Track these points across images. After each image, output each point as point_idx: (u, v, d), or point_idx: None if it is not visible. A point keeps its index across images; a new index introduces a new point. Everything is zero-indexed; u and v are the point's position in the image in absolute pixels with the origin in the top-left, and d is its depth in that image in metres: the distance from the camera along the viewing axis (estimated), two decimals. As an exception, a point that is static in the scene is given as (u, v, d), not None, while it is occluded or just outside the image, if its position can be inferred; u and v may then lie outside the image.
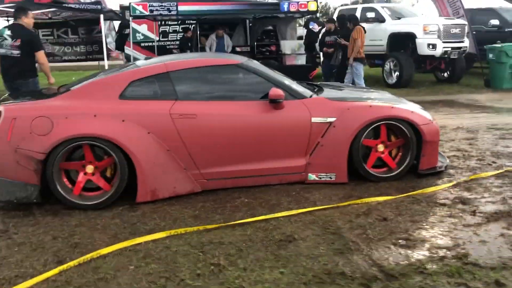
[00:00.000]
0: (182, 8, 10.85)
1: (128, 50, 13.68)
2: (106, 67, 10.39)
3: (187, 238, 3.33)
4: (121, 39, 13.11)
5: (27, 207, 3.98)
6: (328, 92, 4.75)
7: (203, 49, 12.27)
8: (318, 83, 5.44)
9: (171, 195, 4.13)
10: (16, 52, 5.86)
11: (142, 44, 15.73)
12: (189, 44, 12.05)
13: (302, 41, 11.90)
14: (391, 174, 4.51)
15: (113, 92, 4.12)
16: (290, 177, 4.42)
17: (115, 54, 14.93)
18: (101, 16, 10.48)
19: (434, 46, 11.85)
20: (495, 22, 13.97)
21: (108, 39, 12.82)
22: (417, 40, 12.03)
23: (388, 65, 12.58)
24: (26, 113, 3.92)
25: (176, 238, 3.33)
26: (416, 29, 12.06)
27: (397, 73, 12.31)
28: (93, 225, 3.62)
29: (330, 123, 4.35)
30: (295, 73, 10.98)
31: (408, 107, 4.63)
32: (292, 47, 11.71)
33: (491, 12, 14.48)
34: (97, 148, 3.97)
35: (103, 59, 13.41)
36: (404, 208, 3.81)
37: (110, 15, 11.80)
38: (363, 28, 9.15)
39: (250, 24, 13.92)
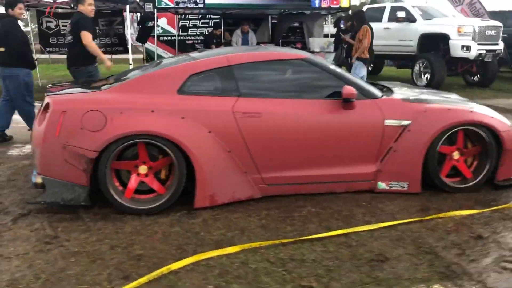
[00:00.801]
0: (210, 1, 10.44)
1: (150, 45, 13.33)
2: (131, 61, 9.97)
3: (263, 253, 2.94)
4: (143, 32, 12.70)
5: (73, 210, 3.60)
6: (399, 93, 4.35)
7: (227, 45, 11.87)
8: (382, 82, 5.03)
9: (229, 200, 3.75)
10: (69, 38, 5.84)
11: (161, 38, 15.30)
12: (215, 41, 11.63)
13: (331, 39, 11.46)
14: (468, 185, 4.11)
15: (171, 86, 3.73)
16: (357, 185, 4.03)
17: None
18: (127, 7, 10.08)
19: (468, 48, 11.41)
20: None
21: (128, 31, 12.39)
22: (451, 42, 11.58)
23: (418, 66, 12.14)
24: (77, 106, 3.53)
25: (250, 252, 2.95)
26: (450, 30, 11.61)
27: (427, 75, 11.87)
28: (151, 234, 3.24)
29: (405, 126, 3.95)
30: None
31: (486, 111, 4.23)
32: (321, 44, 11.26)
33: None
34: (151, 147, 3.59)
35: (123, 52, 13.10)
36: (496, 224, 3.41)
37: (134, 7, 11.40)
38: (370, 27, 8.55)
39: (274, 21, 13.51)
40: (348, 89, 3.77)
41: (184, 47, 13.78)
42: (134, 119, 3.52)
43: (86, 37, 5.57)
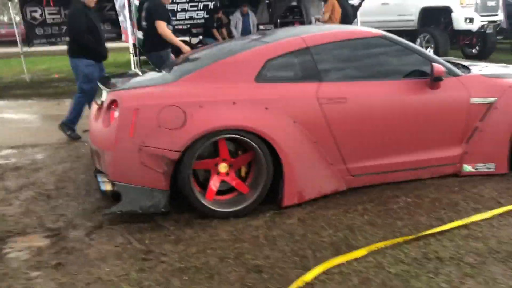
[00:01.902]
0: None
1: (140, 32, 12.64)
2: (131, 50, 9.43)
3: (392, 254, 2.66)
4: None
5: (148, 218, 3.23)
6: (478, 69, 4.09)
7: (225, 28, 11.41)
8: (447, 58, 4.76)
9: (316, 196, 3.44)
10: (144, 24, 5.83)
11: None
12: (215, 24, 11.13)
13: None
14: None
15: (247, 74, 3.36)
16: (442, 169, 3.78)
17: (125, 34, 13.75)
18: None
19: (471, 20, 11.28)
20: (522, -6, 13.49)
21: (120, 18, 11.72)
22: (453, 14, 11.42)
23: (419, 41, 11.97)
24: (151, 101, 3.13)
25: (378, 254, 2.66)
26: (452, 2, 11.44)
27: (429, 49, 11.71)
28: (253, 239, 2.91)
29: (491, 104, 3.71)
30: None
31: None
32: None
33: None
34: (228, 143, 3.24)
35: (114, 39, 12.45)
36: None
37: (124, -10, 10.74)
38: (342, 2, 7.95)
39: (267, 1, 13.09)
40: (438, 67, 3.49)
41: (173, 33, 13.19)
42: (216, 113, 3.15)
43: (161, 26, 5.46)
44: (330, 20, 7.78)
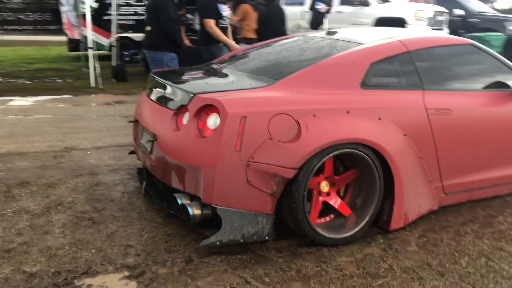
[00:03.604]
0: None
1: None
2: (90, 44, 8.45)
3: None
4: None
5: (240, 248, 2.67)
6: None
7: (187, 27, 10.70)
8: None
9: (416, 216, 3.10)
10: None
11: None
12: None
13: (301, 21, 10.94)
14: None
15: (352, 78, 2.94)
16: (518, 184, 3.64)
17: (68, 27, 12.40)
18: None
19: (424, 33, 11.72)
20: (460, 12, 14.37)
21: (64, 7, 10.55)
22: (407, 26, 11.79)
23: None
24: (260, 108, 2.59)
25: (543, 286, 2.38)
26: (406, 14, 11.81)
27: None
28: (390, 272, 2.49)
29: None
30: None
31: None
32: (290, 28, 10.70)
33: (454, 2, 14.88)
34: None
35: (55, 32, 11.19)
36: None
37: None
38: (252, 6, 7.67)
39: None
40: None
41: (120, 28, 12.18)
42: (333, 123, 2.68)
43: (208, 24, 5.33)
44: (245, 25, 7.31)
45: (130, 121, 3.51)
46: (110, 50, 12.76)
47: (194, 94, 2.69)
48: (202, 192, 2.55)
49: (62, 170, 3.88)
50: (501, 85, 3.45)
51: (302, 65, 2.97)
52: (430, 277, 2.46)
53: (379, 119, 2.84)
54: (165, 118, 2.87)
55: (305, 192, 2.61)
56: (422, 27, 11.70)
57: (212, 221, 2.63)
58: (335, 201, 2.89)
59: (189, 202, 2.65)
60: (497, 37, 11.89)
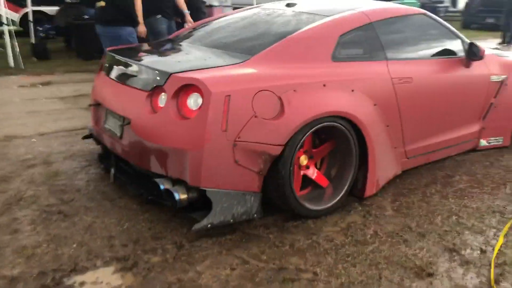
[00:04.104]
0: None
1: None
2: (4, 20, 7.71)
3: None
4: None
5: (228, 228, 2.65)
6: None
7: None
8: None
9: (385, 182, 3.26)
10: None
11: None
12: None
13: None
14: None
15: (324, 52, 2.96)
16: (466, 145, 3.93)
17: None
18: None
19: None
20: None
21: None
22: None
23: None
24: (243, 86, 2.53)
25: None
26: None
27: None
28: (378, 239, 2.61)
29: (502, 81, 3.96)
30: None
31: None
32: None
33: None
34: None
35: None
36: None
37: None
38: None
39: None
40: (482, 48, 3.58)
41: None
42: (313, 97, 2.71)
43: None
44: None
45: (90, 105, 3.29)
46: (20, 25, 11.78)
47: (170, 74, 2.57)
48: (188, 176, 2.48)
49: (10, 162, 3.57)
50: (449, 52, 3.67)
51: (273, 39, 2.93)
52: (414, 238, 2.61)
53: (352, 91, 2.91)
54: (138, 100, 2.72)
55: (291, 168, 2.63)
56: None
57: (192, 204, 2.57)
58: (313, 174, 2.94)
59: (171, 186, 2.56)
60: (412, 3, 12.53)
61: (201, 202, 2.55)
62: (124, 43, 4.48)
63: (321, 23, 3.07)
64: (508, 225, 2.72)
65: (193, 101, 2.52)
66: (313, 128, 2.67)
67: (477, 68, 3.73)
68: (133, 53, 3.27)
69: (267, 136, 2.52)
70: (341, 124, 2.80)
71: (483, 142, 4.02)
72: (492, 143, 4.06)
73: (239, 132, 2.47)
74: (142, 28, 4.94)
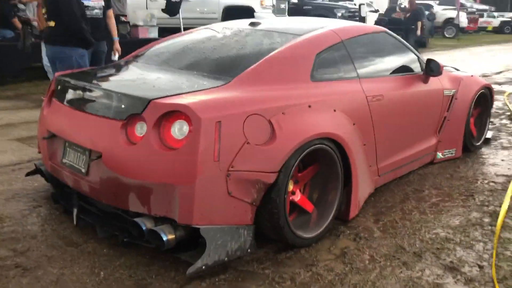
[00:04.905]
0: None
1: None
2: None
3: (508, 246, 2.70)
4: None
5: (225, 265, 2.42)
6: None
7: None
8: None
9: (363, 202, 3.20)
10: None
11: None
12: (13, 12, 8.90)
13: (154, 11, 10.32)
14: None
15: (303, 71, 2.85)
16: (425, 159, 4.02)
17: None
18: None
19: (272, 20, 12.24)
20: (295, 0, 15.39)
21: None
22: (256, 14, 12.15)
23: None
24: (232, 111, 2.33)
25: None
26: (253, 3, 12.16)
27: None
28: (375, 267, 2.51)
29: (453, 95, 4.13)
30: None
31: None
32: (143, 17, 10.07)
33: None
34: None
35: None
36: None
37: None
38: None
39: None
40: (441, 64, 3.68)
41: None
42: (302, 119, 2.58)
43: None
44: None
45: (44, 138, 2.87)
46: None
47: (150, 100, 2.30)
48: (178, 213, 2.22)
49: None
50: (408, 69, 3.74)
51: (251, 60, 2.77)
52: (411, 259, 2.55)
53: (334, 111, 2.82)
54: (109, 130, 2.41)
55: (285, 196, 2.46)
56: (268, 15, 12.16)
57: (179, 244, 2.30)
58: (299, 199, 2.79)
59: (154, 226, 2.28)
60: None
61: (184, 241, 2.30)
62: (74, 65, 4.09)
63: (296, 42, 2.96)
64: (496, 239, 2.75)
65: (178, 130, 2.27)
66: (305, 152, 2.53)
67: (432, 83, 3.84)
68: (94, 78, 2.94)
69: (261, 163, 2.34)
70: (328, 146, 2.68)
71: (439, 155, 4.14)
72: (446, 155, 4.19)
73: (232, 161, 2.26)
74: (117, 46, 4.87)
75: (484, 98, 4.58)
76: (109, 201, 2.43)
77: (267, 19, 3.65)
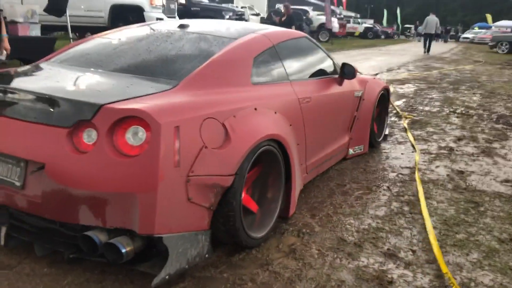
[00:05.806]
0: None
1: None
2: None
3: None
4: None
5: (181, 273, 2.37)
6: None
7: None
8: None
9: (297, 197, 3.35)
10: None
11: None
12: None
13: (36, 6, 9.43)
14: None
15: (244, 75, 2.89)
16: (340, 155, 4.32)
17: None
18: None
19: (162, 20, 12.05)
20: (182, 1, 15.28)
21: None
22: (145, 14, 11.87)
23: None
24: (189, 115, 2.29)
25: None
26: (143, 2, 11.86)
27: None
28: (327, 258, 2.65)
29: (361, 96, 4.49)
30: (35, 47, 9.03)
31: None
32: (22, 13, 9.16)
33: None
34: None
35: None
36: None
37: None
38: None
39: None
40: (355, 67, 3.97)
41: None
42: (251, 122, 2.61)
43: None
44: None
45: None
46: None
47: (101, 105, 2.16)
48: (138, 223, 2.12)
49: None
50: (325, 72, 3.98)
51: (193, 63, 2.73)
52: (354, 250, 2.73)
53: (275, 113, 2.91)
54: (51, 139, 2.20)
55: (241, 198, 2.48)
56: (159, 15, 11.94)
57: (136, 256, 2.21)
58: (246, 200, 2.82)
59: (108, 238, 2.15)
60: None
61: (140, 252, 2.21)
62: None
63: (234, 46, 2.98)
64: (428, 225, 3.06)
65: (132, 136, 2.16)
66: (256, 153, 2.57)
67: (345, 85, 4.13)
68: (20, 81, 2.64)
69: (218, 167, 2.33)
70: (273, 147, 2.76)
71: (351, 151, 4.46)
72: (356, 151, 4.54)
73: (191, 166, 2.22)
74: (6, 44, 4.57)
75: (383, 98, 5.04)
76: (54, 216, 2.22)
77: (195, 22, 3.58)
